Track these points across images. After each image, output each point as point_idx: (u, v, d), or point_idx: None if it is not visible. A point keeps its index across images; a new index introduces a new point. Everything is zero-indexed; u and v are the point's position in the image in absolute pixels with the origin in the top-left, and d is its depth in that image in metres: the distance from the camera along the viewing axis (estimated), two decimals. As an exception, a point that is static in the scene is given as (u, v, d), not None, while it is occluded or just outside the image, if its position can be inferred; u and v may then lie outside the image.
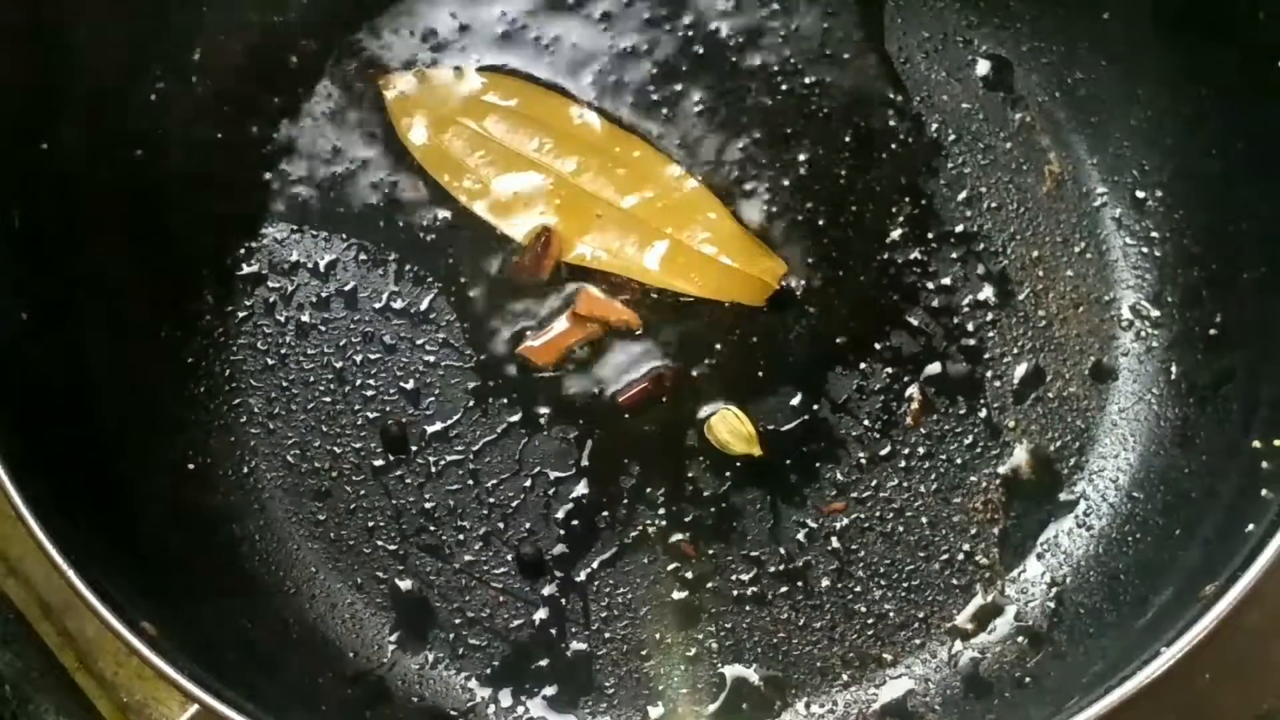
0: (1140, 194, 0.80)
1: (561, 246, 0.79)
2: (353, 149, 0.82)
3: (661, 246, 0.80)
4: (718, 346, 0.79)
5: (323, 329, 0.80)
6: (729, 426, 0.77)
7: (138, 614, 0.61)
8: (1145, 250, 0.80)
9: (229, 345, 0.79)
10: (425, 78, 0.83)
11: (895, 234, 0.81)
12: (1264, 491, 0.66)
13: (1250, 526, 0.64)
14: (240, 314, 0.80)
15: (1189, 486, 0.74)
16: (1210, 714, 0.77)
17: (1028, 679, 0.72)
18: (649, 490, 0.77)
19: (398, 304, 0.80)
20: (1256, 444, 0.69)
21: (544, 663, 0.75)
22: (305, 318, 0.80)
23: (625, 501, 0.76)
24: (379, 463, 0.78)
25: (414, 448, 0.77)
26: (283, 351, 0.79)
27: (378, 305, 0.80)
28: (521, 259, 0.80)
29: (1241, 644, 0.77)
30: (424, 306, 0.80)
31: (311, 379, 0.79)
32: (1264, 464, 0.67)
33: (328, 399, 0.79)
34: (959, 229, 0.81)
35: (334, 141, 0.82)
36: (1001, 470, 0.77)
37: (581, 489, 0.77)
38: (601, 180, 0.81)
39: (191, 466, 0.77)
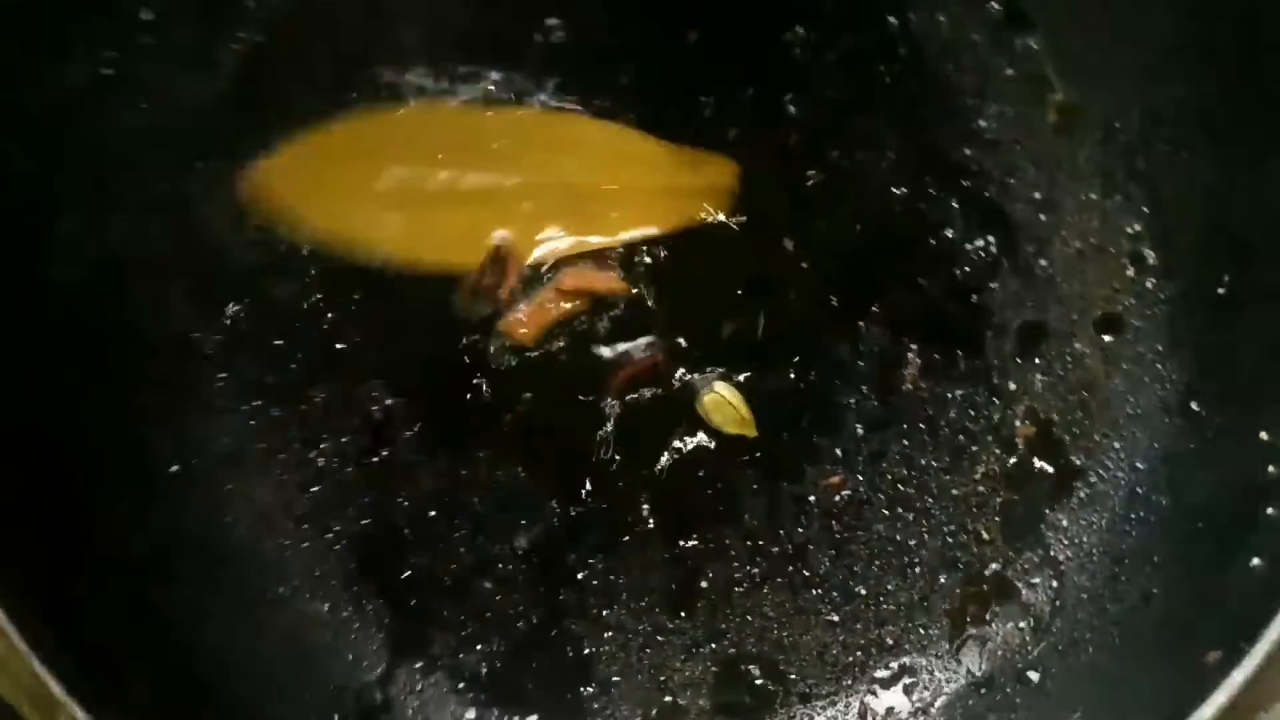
0: (1149, 139, 0.76)
1: (516, 257, 0.75)
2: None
3: (606, 201, 0.77)
4: (708, 310, 0.76)
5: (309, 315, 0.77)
6: (720, 410, 0.75)
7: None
8: (1152, 197, 0.77)
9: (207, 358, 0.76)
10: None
11: (900, 186, 0.77)
12: (1270, 468, 0.65)
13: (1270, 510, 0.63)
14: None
15: (1193, 461, 0.72)
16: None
17: (1029, 669, 0.73)
18: (643, 472, 0.75)
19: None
20: (1264, 436, 0.67)
21: (543, 657, 0.75)
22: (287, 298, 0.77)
23: (621, 485, 0.75)
24: (367, 455, 0.76)
25: (402, 435, 0.75)
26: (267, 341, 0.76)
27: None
28: (480, 286, 0.75)
29: None
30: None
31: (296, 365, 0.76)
32: (1263, 435, 0.66)
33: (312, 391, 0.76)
34: (962, 180, 0.77)
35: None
36: (1003, 437, 0.76)
37: (574, 473, 0.75)
38: (512, 171, 0.76)
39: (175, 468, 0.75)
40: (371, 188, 0.76)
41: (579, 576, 0.75)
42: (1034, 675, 0.72)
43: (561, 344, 0.76)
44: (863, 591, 0.75)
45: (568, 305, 0.76)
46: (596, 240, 0.76)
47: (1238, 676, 0.59)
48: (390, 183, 0.76)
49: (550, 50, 0.78)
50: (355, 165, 0.76)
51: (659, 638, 0.74)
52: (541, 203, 0.76)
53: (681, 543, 0.75)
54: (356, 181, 0.76)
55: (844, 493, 0.75)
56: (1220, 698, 0.59)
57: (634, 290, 0.76)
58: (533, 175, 0.76)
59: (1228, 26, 0.72)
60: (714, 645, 0.74)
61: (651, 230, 0.76)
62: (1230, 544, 0.66)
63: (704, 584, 0.75)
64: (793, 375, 0.76)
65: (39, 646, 0.59)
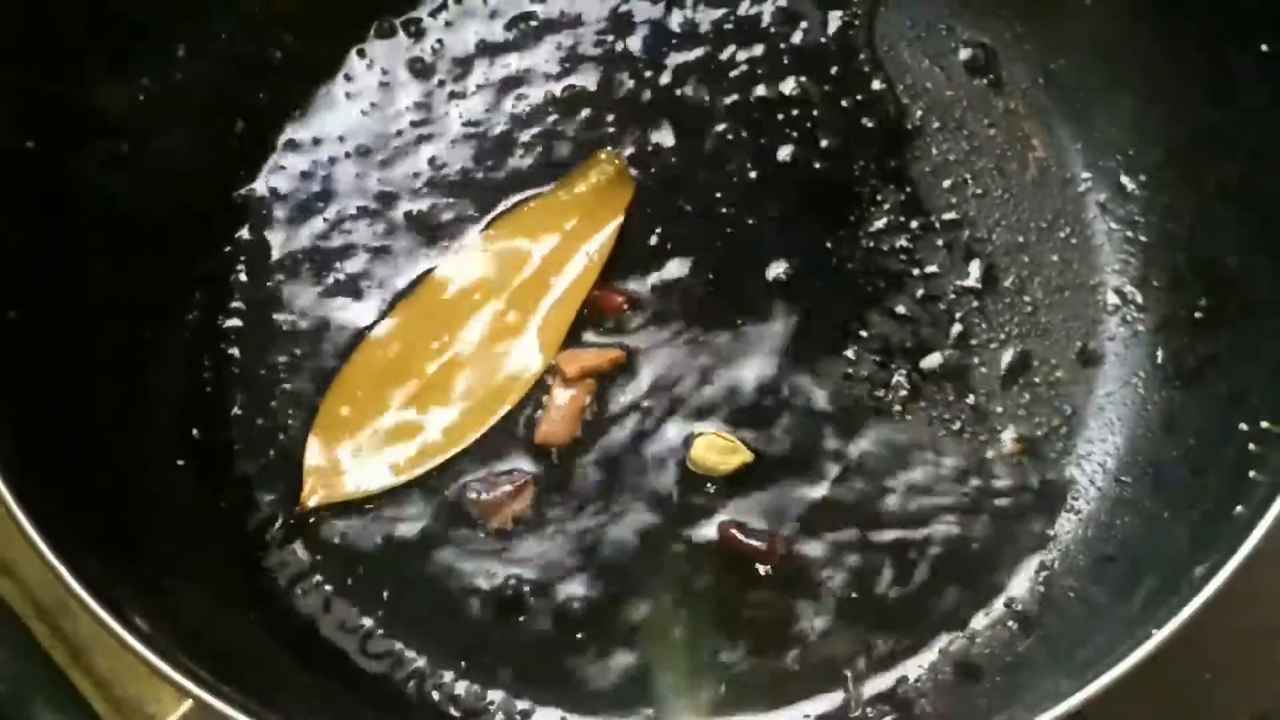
0: (1124, 179, 0.81)
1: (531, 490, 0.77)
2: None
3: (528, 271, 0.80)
4: (697, 349, 0.79)
5: (314, 331, 0.80)
6: (712, 448, 0.76)
7: (131, 610, 0.61)
8: (1130, 235, 0.80)
9: (217, 341, 0.79)
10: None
11: (880, 222, 0.81)
12: (1251, 473, 0.66)
13: (1239, 509, 0.64)
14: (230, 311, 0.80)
15: (1176, 470, 0.74)
16: (1210, 714, 0.77)
17: (1018, 663, 0.73)
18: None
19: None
20: (1244, 426, 0.69)
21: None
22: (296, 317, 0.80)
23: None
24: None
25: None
26: (275, 350, 0.80)
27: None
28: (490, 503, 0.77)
29: (1241, 644, 0.77)
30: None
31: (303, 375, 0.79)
32: (1251, 446, 0.68)
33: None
34: (944, 216, 0.81)
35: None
36: (989, 456, 0.77)
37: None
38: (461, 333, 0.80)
39: (181, 462, 0.77)
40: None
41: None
42: (1022, 665, 0.72)
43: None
44: (855, 597, 0.75)
45: (582, 391, 0.78)
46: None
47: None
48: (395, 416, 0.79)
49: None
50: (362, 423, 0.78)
51: (655, 642, 0.75)
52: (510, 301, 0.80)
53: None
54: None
55: (833, 504, 0.76)
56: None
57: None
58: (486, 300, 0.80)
59: (1202, 68, 0.77)
60: (708, 647, 0.74)
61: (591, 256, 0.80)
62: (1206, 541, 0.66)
63: (700, 591, 0.75)
64: (782, 396, 0.78)
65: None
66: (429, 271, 0.80)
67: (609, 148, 0.82)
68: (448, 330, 0.79)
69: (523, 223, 0.81)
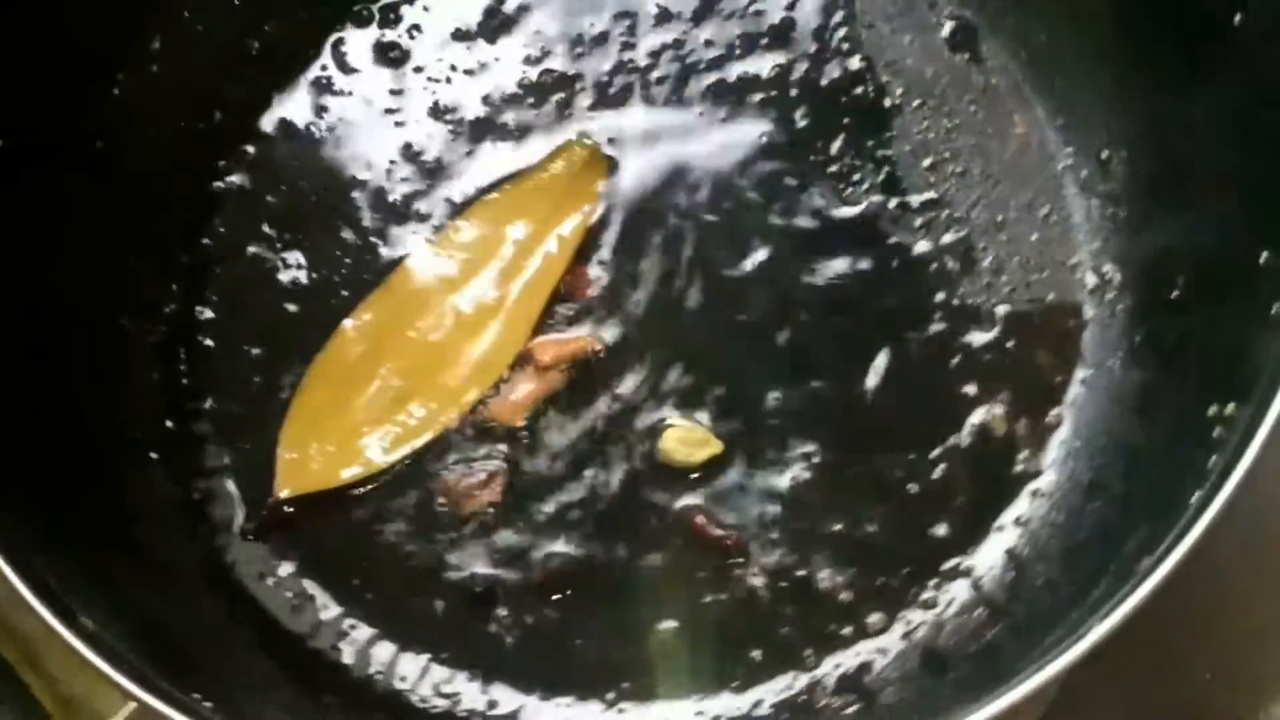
0: (1104, 155, 0.79)
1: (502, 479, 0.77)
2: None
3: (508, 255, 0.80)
4: (670, 337, 0.79)
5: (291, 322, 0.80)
6: (681, 437, 0.76)
7: (82, 608, 0.62)
8: (1109, 212, 0.79)
9: (190, 334, 0.80)
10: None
11: (859, 203, 0.80)
12: (1212, 459, 0.64)
13: (1195, 495, 0.63)
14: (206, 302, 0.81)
15: (1147, 455, 0.72)
16: (1210, 714, 0.77)
17: (984, 652, 0.72)
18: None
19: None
20: (1213, 410, 0.68)
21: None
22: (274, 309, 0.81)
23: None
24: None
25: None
26: (249, 342, 0.80)
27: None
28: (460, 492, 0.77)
29: (1241, 644, 0.76)
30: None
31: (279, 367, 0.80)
32: (1216, 430, 0.66)
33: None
34: (923, 196, 0.80)
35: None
36: (962, 438, 0.76)
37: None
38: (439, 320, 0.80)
39: (154, 455, 0.77)
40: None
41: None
42: (988, 653, 0.71)
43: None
44: (824, 582, 0.75)
45: (549, 380, 0.78)
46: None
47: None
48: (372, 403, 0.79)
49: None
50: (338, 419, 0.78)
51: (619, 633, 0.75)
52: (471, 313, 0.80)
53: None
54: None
55: (803, 490, 0.76)
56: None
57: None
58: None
59: (1183, 44, 0.74)
60: (672, 635, 0.74)
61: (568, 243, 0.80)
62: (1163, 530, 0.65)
63: (666, 583, 0.75)
64: (753, 384, 0.78)
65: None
66: (402, 259, 0.80)
67: (582, 132, 0.82)
68: (420, 318, 0.79)
69: (496, 208, 0.81)
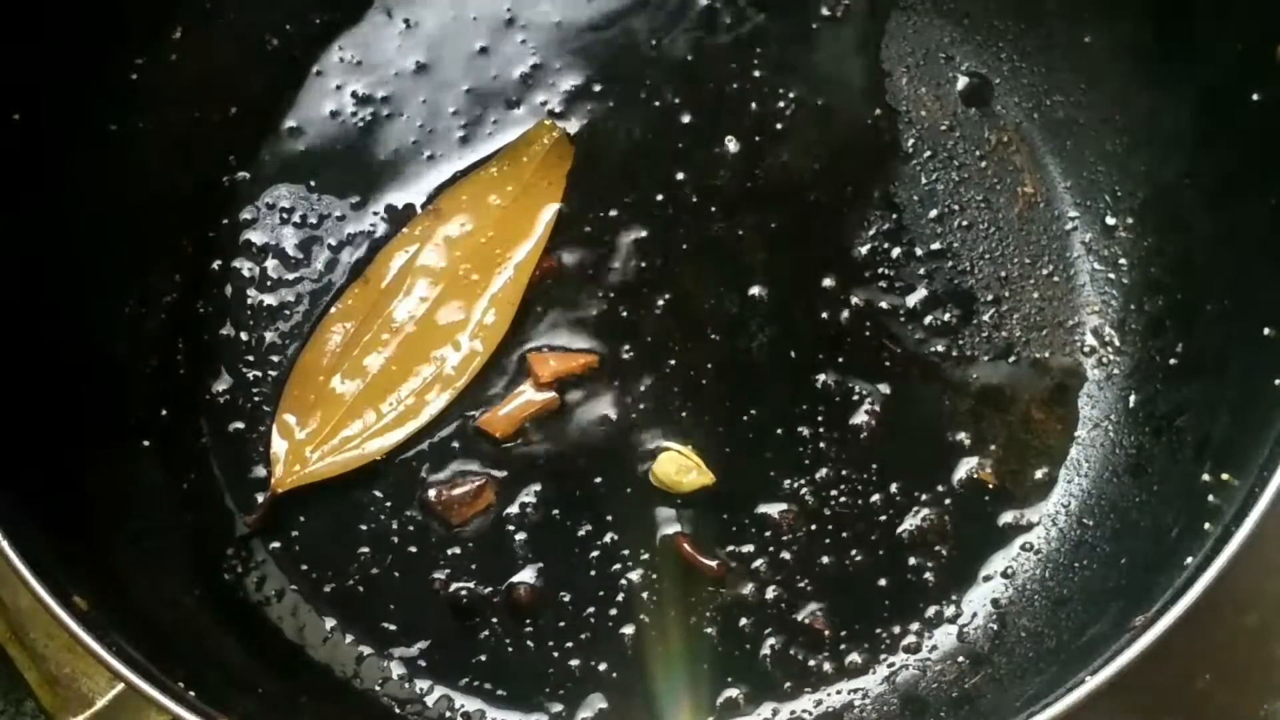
0: (1111, 220, 0.80)
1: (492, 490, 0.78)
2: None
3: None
4: (671, 363, 0.79)
5: (288, 313, 0.80)
6: (677, 465, 0.76)
7: (75, 587, 0.61)
8: (1112, 276, 0.80)
9: (192, 323, 0.80)
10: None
11: (863, 248, 0.81)
12: (1206, 525, 0.65)
13: (1189, 559, 0.63)
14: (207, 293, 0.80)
15: (1138, 516, 0.74)
16: (1210, 714, 0.77)
17: (964, 699, 0.72)
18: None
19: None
20: (1206, 477, 0.69)
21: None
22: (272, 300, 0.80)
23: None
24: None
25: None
26: (247, 333, 0.80)
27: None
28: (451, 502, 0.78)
29: (1241, 644, 0.77)
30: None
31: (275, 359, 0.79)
32: (1210, 497, 0.67)
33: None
34: (930, 246, 0.81)
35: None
36: (953, 489, 0.77)
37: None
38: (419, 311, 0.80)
39: (147, 443, 0.77)
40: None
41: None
42: (968, 701, 0.72)
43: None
44: (806, 622, 0.75)
45: (544, 397, 0.78)
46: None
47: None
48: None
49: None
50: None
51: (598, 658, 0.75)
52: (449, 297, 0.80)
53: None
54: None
55: (792, 526, 0.76)
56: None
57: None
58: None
59: (1195, 113, 0.76)
60: (652, 670, 0.75)
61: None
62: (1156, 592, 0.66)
63: (648, 618, 0.76)
64: (749, 421, 0.78)
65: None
66: (382, 249, 0.81)
67: (549, 118, 0.82)
68: (400, 308, 0.79)
69: (466, 197, 0.81)
